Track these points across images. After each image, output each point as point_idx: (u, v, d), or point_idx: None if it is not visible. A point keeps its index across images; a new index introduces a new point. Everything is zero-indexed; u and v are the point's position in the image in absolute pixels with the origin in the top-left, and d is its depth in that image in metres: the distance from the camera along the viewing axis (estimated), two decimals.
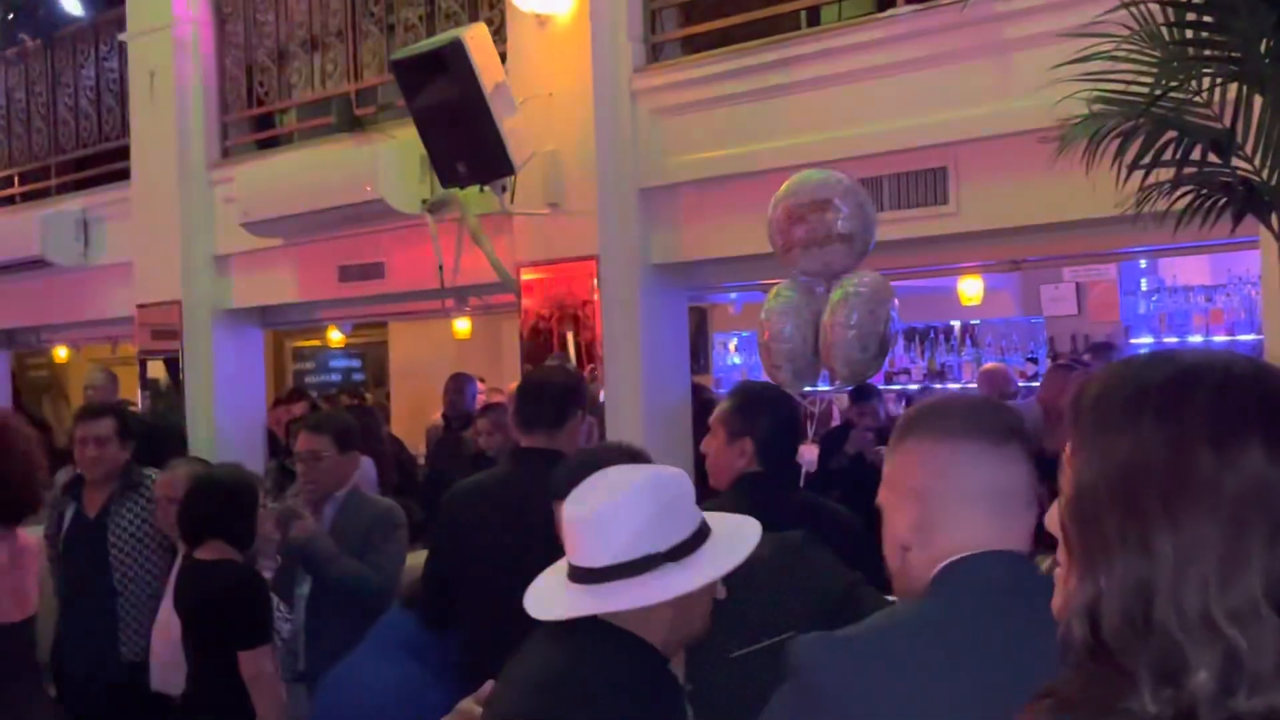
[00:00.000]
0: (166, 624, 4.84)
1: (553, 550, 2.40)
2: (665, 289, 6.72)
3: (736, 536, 2.30)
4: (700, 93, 6.36)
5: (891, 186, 5.72)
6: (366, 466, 6.51)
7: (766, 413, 3.66)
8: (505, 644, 2.36)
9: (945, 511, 1.79)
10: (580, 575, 2.21)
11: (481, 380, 9.26)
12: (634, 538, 2.18)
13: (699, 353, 10.01)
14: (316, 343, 15.41)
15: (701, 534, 2.25)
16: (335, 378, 16.12)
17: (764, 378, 4.64)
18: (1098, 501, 1.02)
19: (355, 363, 16.48)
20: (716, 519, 2.33)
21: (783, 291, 4.43)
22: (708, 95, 6.32)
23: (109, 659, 5.19)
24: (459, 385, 8.76)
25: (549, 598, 2.25)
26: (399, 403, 12.81)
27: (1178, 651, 0.96)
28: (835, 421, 7.72)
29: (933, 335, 10.13)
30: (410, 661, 4.03)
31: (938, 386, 9.74)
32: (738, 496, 3.42)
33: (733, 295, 9.08)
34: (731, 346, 11.14)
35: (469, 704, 2.32)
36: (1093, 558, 1.01)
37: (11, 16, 10.28)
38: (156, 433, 6.70)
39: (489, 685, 2.31)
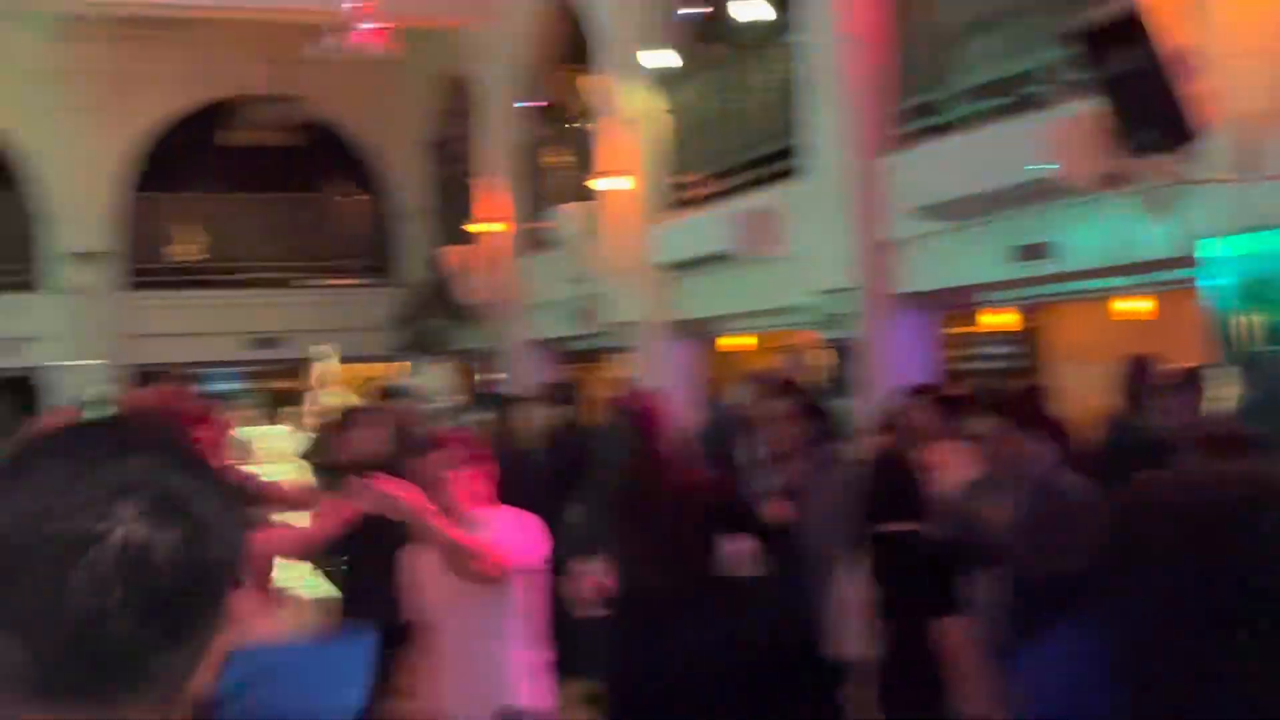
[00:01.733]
0: (849, 593, 5.03)
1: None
2: None
3: None
4: None
5: None
6: (1041, 447, 6.41)
7: None
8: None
9: None
10: None
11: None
12: None
13: None
14: (973, 328, 15.38)
15: None
16: (990, 364, 15.99)
17: None
18: None
19: (1009, 348, 16.25)
20: None
21: None
22: None
23: (807, 622, 5.44)
24: (1137, 367, 8.38)
25: None
26: (1061, 389, 12.47)
27: None
28: None
29: None
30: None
31: None
32: None
33: None
34: None
35: None
36: None
37: (701, 31, 11.12)
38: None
39: None
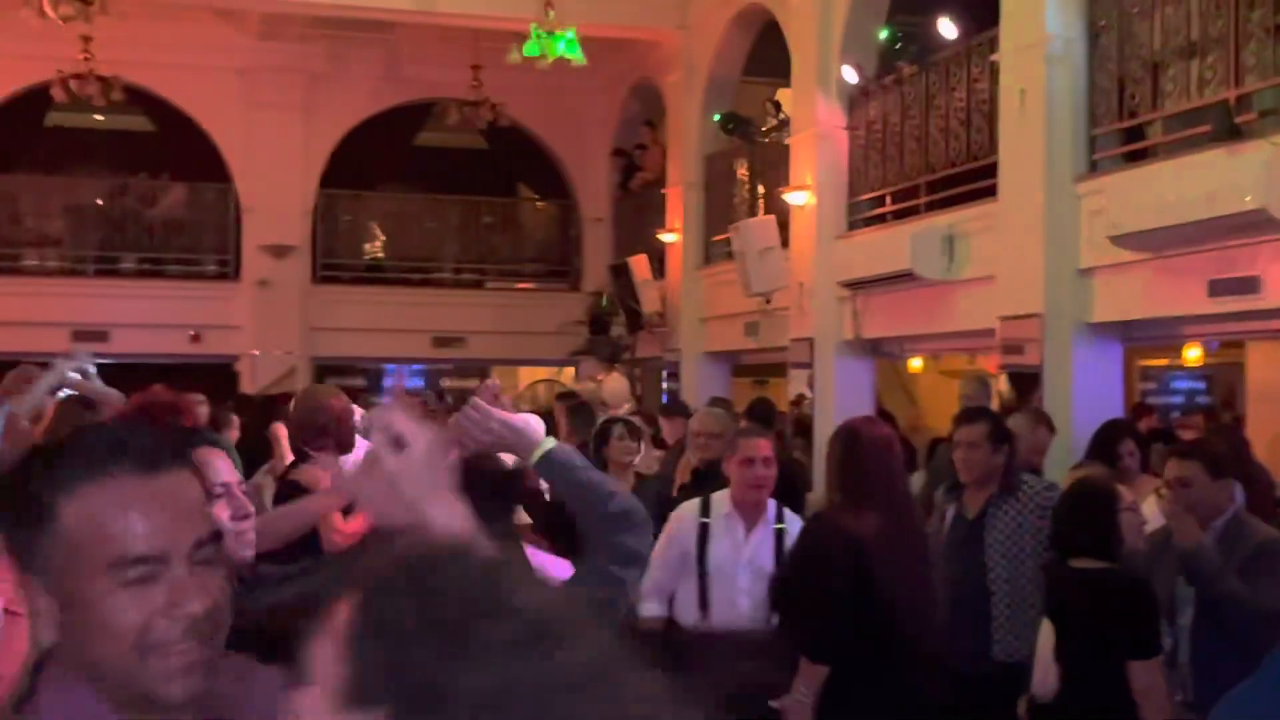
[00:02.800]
0: (1041, 630, 4.91)
1: None
2: None
3: None
4: None
5: None
6: (1235, 491, 6.20)
7: None
8: None
9: None
10: None
11: None
12: None
13: None
14: (1163, 362, 14.94)
15: None
16: (1178, 399, 15.51)
17: None
18: None
19: (1200, 385, 15.75)
20: None
21: None
22: None
23: (982, 656, 5.35)
24: None
25: None
26: (1255, 429, 12.02)
27: None
28: None
29: None
30: None
31: None
32: None
33: None
34: None
35: None
36: None
37: (895, 47, 11.00)
38: None
39: None
